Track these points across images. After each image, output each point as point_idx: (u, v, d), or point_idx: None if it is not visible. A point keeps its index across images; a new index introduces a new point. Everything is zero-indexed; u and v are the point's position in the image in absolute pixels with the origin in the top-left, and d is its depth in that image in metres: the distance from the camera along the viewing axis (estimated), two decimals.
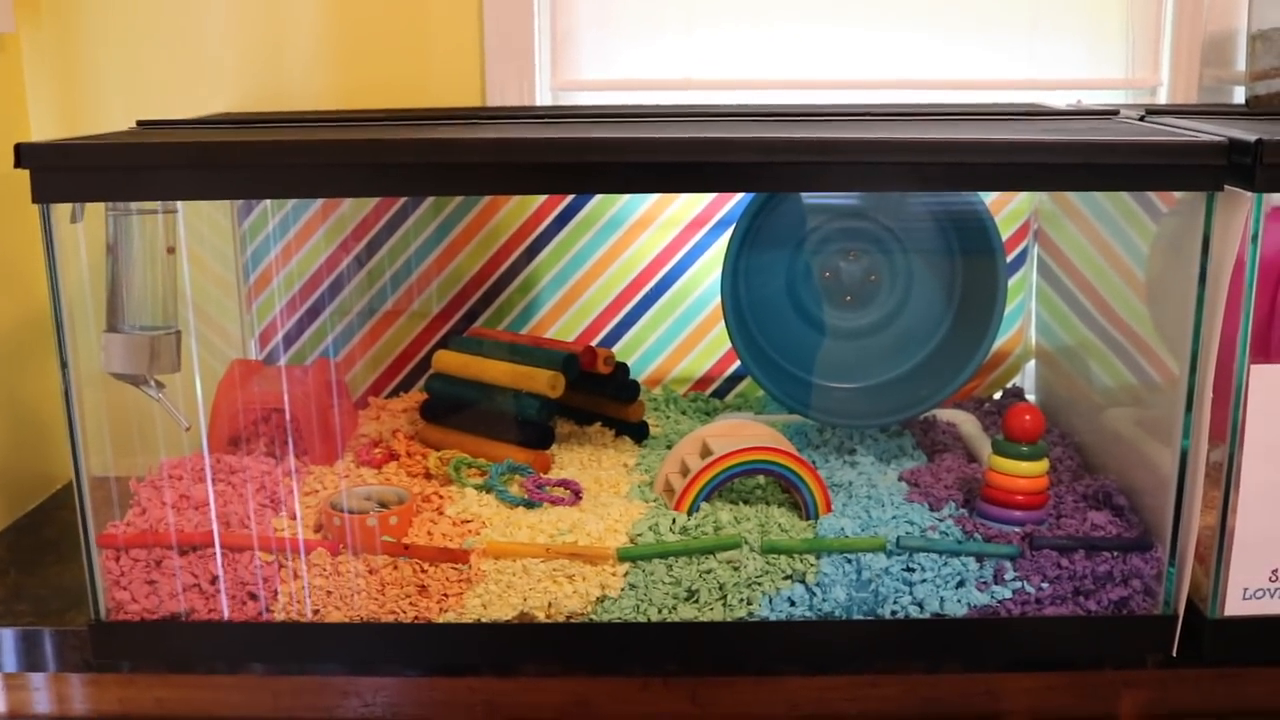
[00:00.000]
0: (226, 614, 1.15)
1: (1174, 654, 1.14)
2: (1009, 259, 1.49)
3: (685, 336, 1.59)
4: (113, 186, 1.08)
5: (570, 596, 1.13)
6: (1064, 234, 1.47)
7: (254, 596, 1.15)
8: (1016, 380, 1.61)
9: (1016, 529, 1.17)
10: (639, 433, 1.45)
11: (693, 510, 1.22)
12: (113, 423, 1.21)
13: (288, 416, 1.36)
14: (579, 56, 1.59)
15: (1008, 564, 1.14)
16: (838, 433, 1.43)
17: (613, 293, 1.58)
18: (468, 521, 1.22)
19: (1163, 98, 1.59)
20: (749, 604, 1.14)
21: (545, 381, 1.33)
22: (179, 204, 1.23)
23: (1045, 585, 1.13)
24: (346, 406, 1.45)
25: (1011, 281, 1.53)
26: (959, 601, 1.13)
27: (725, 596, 1.14)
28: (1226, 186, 1.04)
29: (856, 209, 1.40)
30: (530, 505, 1.25)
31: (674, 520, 1.20)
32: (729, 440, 1.25)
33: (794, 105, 1.48)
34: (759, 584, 1.14)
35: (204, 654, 1.17)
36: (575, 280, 1.58)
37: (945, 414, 1.47)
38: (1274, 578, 1.11)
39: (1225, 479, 1.09)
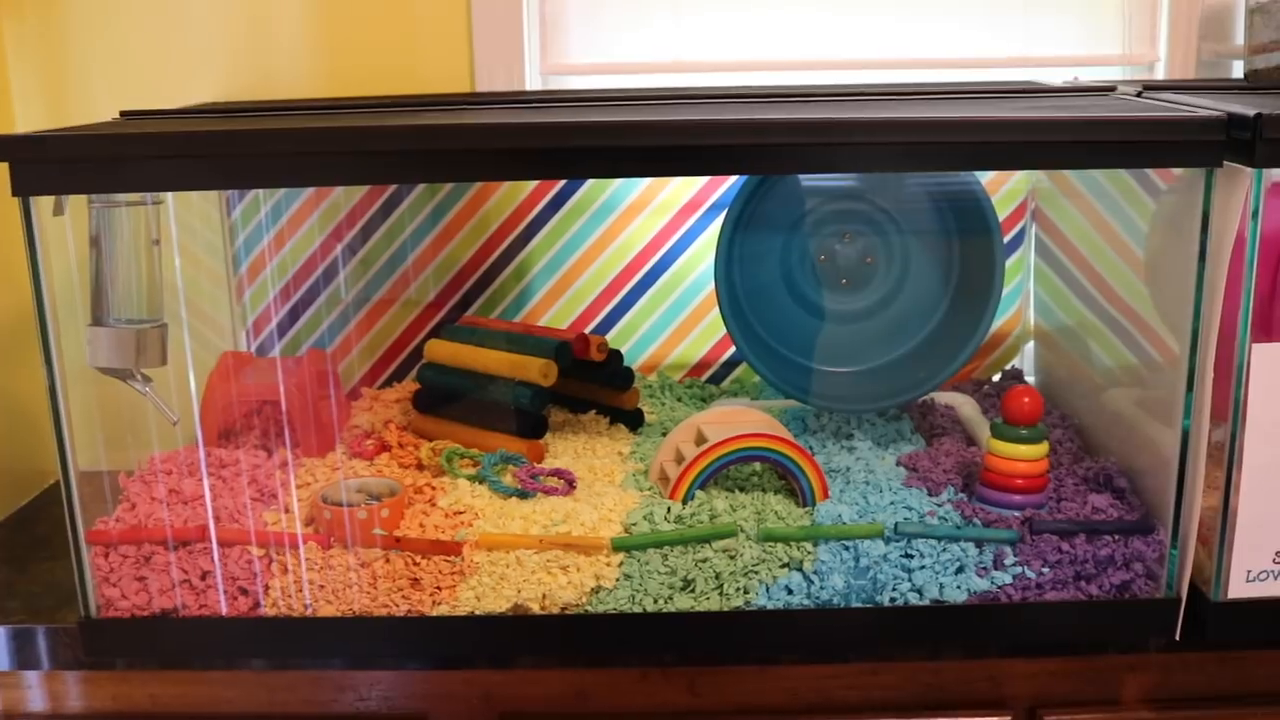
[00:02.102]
0: (224, 609, 1.14)
1: (1177, 638, 1.13)
2: (1006, 239, 1.48)
3: (680, 322, 1.58)
4: (94, 178, 1.07)
5: (565, 588, 1.12)
6: (1062, 213, 1.45)
7: (245, 591, 1.14)
8: (1015, 362, 1.60)
9: (1016, 513, 1.16)
10: (633, 420, 1.44)
11: (688, 499, 1.21)
12: (104, 416, 1.20)
13: (283, 408, 1.34)
14: (568, 40, 1.57)
15: (1008, 549, 1.13)
16: (835, 417, 1.42)
17: (606, 279, 1.57)
18: (460, 513, 1.20)
19: (1160, 73, 1.57)
20: (746, 593, 1.12)
21: (538, 370, 1.32)
22: (166, 194, 1.21)
23: (1046, 570, 1.12)
24: (339, 397, 1.44)
25: (1009, 262, 1.52)
26: (959, 588, 1.12)
27: (722, 586, 1.12)
28: (1226, 162, 1.03)
29: (851, 190, 1.38)
30: (524, 496, 1.24)
31: (669, 509, 1.18)
32: (724, 427, 1.23)
33: (786, 86, 1.46)
34: (756, 572, 1.13)
35: (195, 650, 1.16)
36: (568, 267, 1.56)
37: (944, 397, 1.45)
38: (1278, 559, 1.09)
39: (1228, 459, 1.08)
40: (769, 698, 1.19)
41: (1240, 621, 1.11)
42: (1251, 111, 1.00)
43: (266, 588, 1.14)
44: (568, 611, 1.13)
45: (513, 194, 1.54)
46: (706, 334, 1.59)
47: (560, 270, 1.57)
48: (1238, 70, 1.54)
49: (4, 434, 1.45)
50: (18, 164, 1.03)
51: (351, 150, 1.06)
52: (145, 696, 1.20)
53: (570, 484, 1.26)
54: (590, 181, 1.53)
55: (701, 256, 1.56)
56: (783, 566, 1.13)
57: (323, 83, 1.54)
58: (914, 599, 1.12)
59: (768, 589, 1.13)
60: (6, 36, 1.51)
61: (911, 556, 1.13)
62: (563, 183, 1.54)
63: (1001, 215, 1.35)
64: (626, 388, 1.44)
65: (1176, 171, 1.13)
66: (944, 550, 1.13)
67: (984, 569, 1.13)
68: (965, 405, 1.43)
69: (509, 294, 1.57)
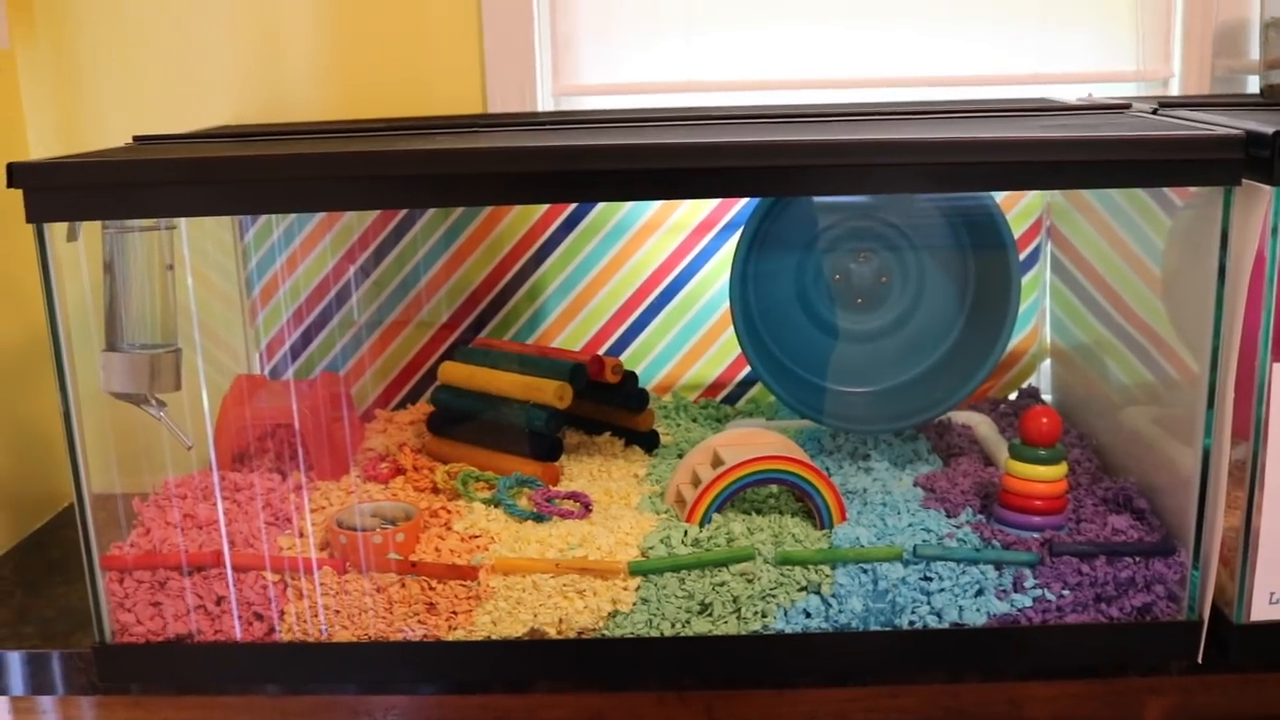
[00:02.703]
0: (239, 634, 1.13)
1: (1199, 660, 1.12)
2: (1022, 256, 1.47)
3: (694, 342, 1.58)
4: (108, 204, 1.06)
5: (581, 612, 1.11)
6: (1077, 230, 1.44)
7: (260, 617, 1.14)
8: (1032, 380, 1.59)
9: (1035, 535, 1.15)
10: (649, 442, 1.43)
11: (705, 522, 1.20)
12: (118, 440, 1.20)
13: (297, 430, 1.34)
14: (580, 61, 1.57)
15: (1027, 571, 1.12)
16: (851, 438, 1.41)
17: (620, 299, 1.56)
18: (476, 537, 1.20)
19: (1175, 89, 1.57)
20: (764, 616, 1.12)
21: (553, 392, 1.31)
22: (180, 219, 1.21)
23: (1066, 592, 1.11)
24: (352, 420, 1.43)
25: (1025, 279, 1.51)
26: (978, 610, 1.11)
27: (739, 609, 1.12)
28: (1245, 180, 1.02)
29: (866, 209, 1.38)
30: (539, 519, 1.23)
31: (685, 532, 1.18)
32: (740, 449, 1.23)
33: (799, 105, 1.46)
34: (773, 596, 1.12)
35: (210, 675, 1.15)
36: (581, 287, 1.56)
37: (960, 416, 1.45)
38: None
39: (1249, 478, 1.07)
40: None
41: (1263, 644, 1.10)
42: (1270, 129, 0.99)
43: (282, 613, 1.14)
44: (584, 636, 1.12)
45: (526, 215, 1.54)
46: (721, 354, 1.58)
47: (574, 292, 1.56)
48: (1253, 85, 1.53)
49: (18, 458, 1.45)
50: (32, 191, 1.03)
51: (364, 175, 1.05)
52: None
53: (586, 507, 1.25)
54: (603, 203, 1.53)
55: (716, 276, 1.55)
56: (801, 590, 1.12)
57: (335, 105, 1.54)
58: (933, 622, 1.11)
59: (786, 612, 1.12)
60: (20, 62, 1.51)
61: (930, 579, 1.12)
62: (576, 204, 1.54)
63: (1016, 232, 1.35)
64: (641, 409, 1.43)
65: (1193, 188, 1.12)
66: (963, 573, 1.12)
67: (1004, 591, 1.12)
68: (982, 425, 1.42)
69: (522, 316, 1.57)
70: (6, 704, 1.20)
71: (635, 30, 1.56)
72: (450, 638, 1.12)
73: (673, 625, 1.12)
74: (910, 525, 1.18)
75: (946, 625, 1.11)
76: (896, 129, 1.12)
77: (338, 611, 1.13)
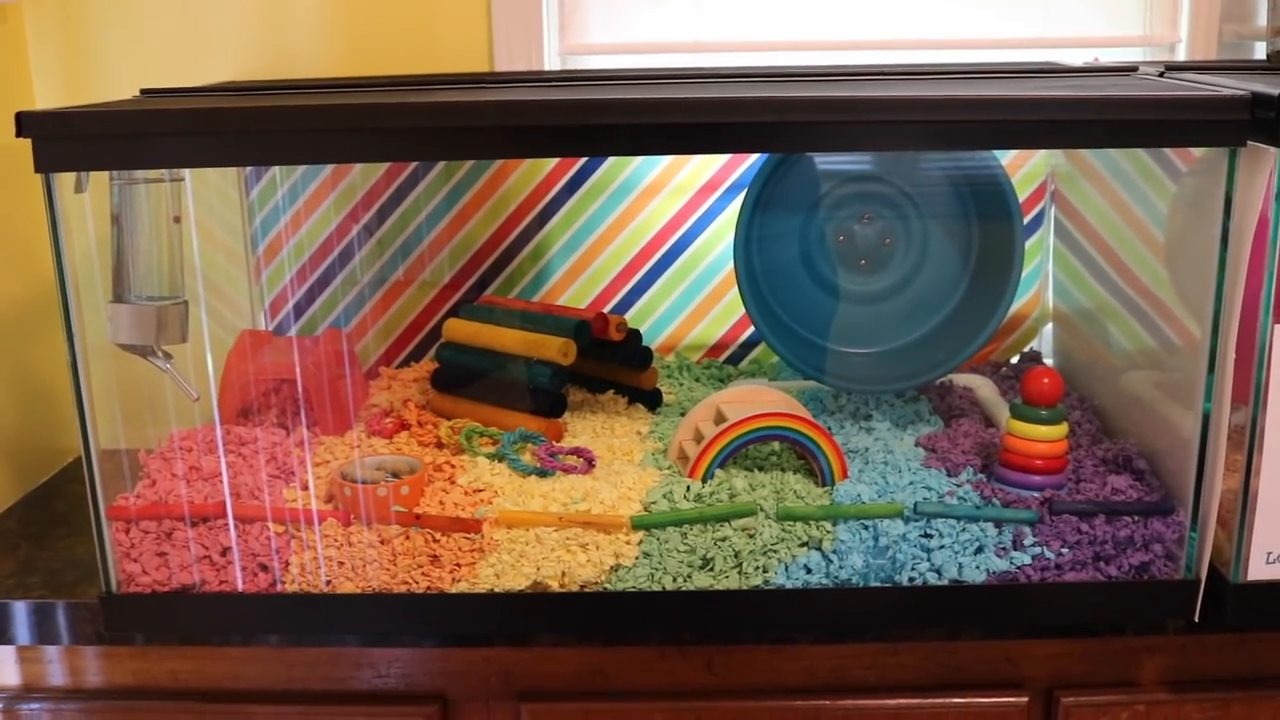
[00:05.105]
0: (243, 585, 1.14)
1: (1196, 619, 1.13)
2: (1026, 221, 1.47)
3: (698, 302, 1.58)
4: (116, 155, 1.07)
5: (584, 566, 1.12)
6: (1081, 195, 1.45)
7: (265, 568, 1.15)
8: (1034, 344, 1.60)
9: (1035, 494, 1.16)
10: (652, 400, 1.44)
11: (707, 477, 1.21)
12: (123, 394, 1.20)
13: (299, 387, 1.35)
14: (587, 20, 1.56)
15: (1027, 529, 1.13)
16: (853, 398, 1.41)
17: (625, 259, 1.57)
18: (480, 490, 1.21)
19: (1181, 55, 1.57)
20: (765, 572, 1.12)
21: (557, 349, 1.32)
22: (185, 172, 1.21)
23: (1065, 551, 1.12)
24: (356, 376, 1.44)
25: (1028, 244, 1.51)
26: (978, 568, 1.12)
27: (741, 564, 1.12)
28: (1250, 143, 1.02)
29: (871, 172, 1.38)
30: (543, 474, 1.24)
31: (688, 488, 1.18)
32: (743, 406, 1.23)
33: (805, 66, 1.46)
34: (775, 551, 1.13)
35: (215, 626, 1.16)
36: (587, 246, 1.56)
37: (961, 378, 1.45)
38: None
39: (1248, 441, 1.07)
40: (786, 677, 1.19)
41: (1259, 604, 1.11)
42: (1276, 91, 0.99)
43: (286, 564, 1.15)
44: (587, 589, 1.13)
45: (531, 174, 1.54)
46: (725, 314, 1.58)
47: (579, 250, 1.56)
48: (1260, 51, 1.53)
49: (23, 412, 1.46)
50: (40, 140, 1.03)
51: (371, 127, 1.05)
52: (165, 672, 1.20)
53: (589, 462, 1.26)
54: (609, 161, 1.53)
55: (720, 237, 1.55)
56: (802, 545, 1.13)
57: (340, 62, 1.54)
58: (933, 579, 1.12)
59: (786, 568, 1.13)
60: (27, 15, 1.51)
61: (930, 536, 1.13)
62: (581, 162, 1.53)
63: (1020, 197, 1.35)
64: (645, 367, 1.43)
65: (1198, 153, 1.12)
66: (963, 530, 1.13)
67: (1003, 549, 1.13)
68: (983, 387, 1.43)
69: (527, 273, 1.57)
70: (13, 653, 1.21)
71: None
72: (454, 590, 1.13)
73: (674, 580, 1.12)
74: (911, 483, 1.19)
75: (946, 582, 1.12)
76: (902, 87, 1.12)
77: (342, 563, 1.14)
